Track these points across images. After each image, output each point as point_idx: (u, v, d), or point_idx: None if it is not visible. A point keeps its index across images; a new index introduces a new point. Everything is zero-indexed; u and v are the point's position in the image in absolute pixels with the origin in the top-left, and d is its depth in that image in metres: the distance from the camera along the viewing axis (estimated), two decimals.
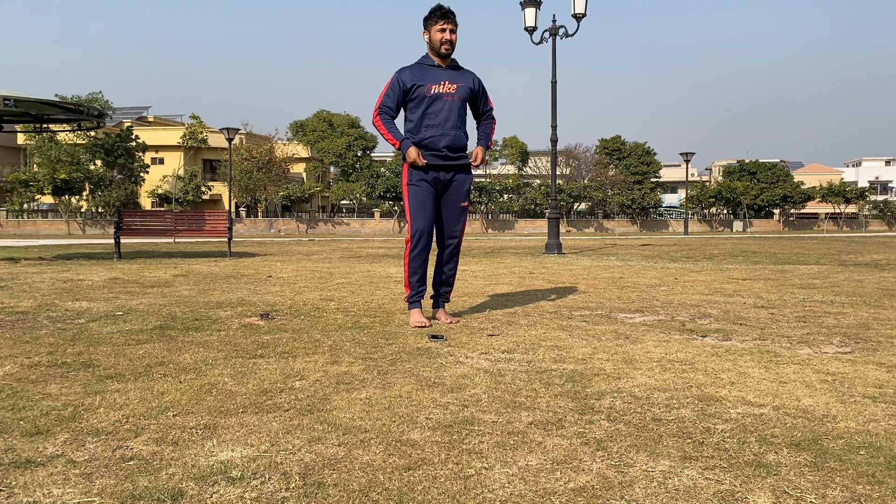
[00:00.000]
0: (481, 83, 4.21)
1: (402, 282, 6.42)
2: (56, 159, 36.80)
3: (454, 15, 4.02)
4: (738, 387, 2.58)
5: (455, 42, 4.02)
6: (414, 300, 4.08)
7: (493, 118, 4.32)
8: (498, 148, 55.52)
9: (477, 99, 4.20)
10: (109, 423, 2.13)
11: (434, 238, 4.20)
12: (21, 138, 42.16)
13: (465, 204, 4.17)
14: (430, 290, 4.31)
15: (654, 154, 49.53)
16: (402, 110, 4.08)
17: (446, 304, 4.31)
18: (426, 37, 4.05)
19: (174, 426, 2.10)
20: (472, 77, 4.14)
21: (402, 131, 4.08)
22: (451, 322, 4.06)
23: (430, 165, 4.00)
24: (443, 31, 3.98)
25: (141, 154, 40.79)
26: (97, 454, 1.87)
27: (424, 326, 3.89)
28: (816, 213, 55.78)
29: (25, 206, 39.50)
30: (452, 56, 4.07)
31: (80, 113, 10.38)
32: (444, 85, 3.99)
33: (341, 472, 1.75)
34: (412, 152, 3.94)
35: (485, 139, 4.25)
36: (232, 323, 4.09)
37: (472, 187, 4.31)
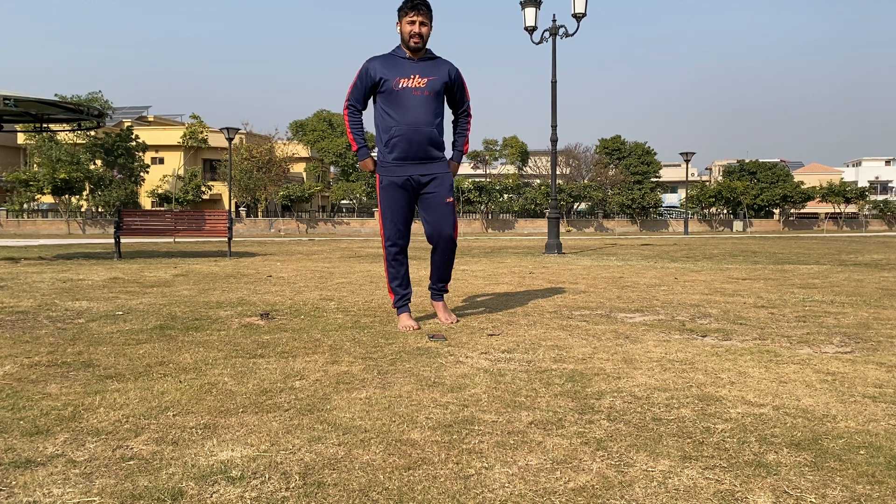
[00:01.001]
0: (458, 74, 4.01)
1: None
2: (56, 159, 36.81)
3: (427, 7, 3.84)
4: (738, 386, 2.57)
5: (426, 35, 3.84)
6: (400, 305, 4.01)
7: (468, 115, 4.16)
8: (498, 148, 55.54)
9: (454, 90, 4.02)
10: (109, 423, 2.13)
11: (425, 238, 4.16)
12: (21, 138, 42.17)
13: (451, 200, 4.01)
14: (424, 287, 4.30)
15: (654, 154, 49.61)
16: (374, 102, 3.96)
17: (445, 294, 4.27)
18: (398, 28, 3.89)
19: (174, 426, 2.10)
20: (447, 68, 3.93)
21: (378, 125, 3.93)
22: (452, 322, 4.05)
23: (402, 167, 3.88)
24: (412, 23, 3.80)
25: (141, 154, 40.81)
26: (97, 454, 1.87)
27: (413, 329, 3.82)
28: (816, 213, 55.82)
29: (25, 205, 39.53)
30: (427, 48, 3.91)
31: (80, 113, 10.39)
32: (413, 79, 3.82)
33: (341, 471, 1.75)
34: (368, 164, 3.88)
35: (459, 150, 4.11)
36: (232, 323, 4.09)
37: (454, 182, 4.19)
